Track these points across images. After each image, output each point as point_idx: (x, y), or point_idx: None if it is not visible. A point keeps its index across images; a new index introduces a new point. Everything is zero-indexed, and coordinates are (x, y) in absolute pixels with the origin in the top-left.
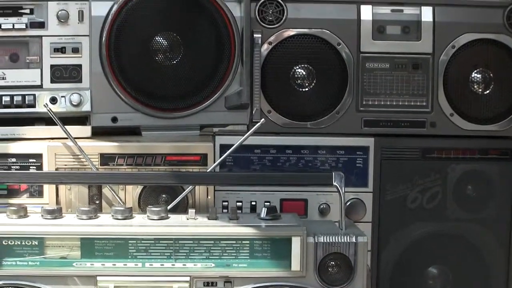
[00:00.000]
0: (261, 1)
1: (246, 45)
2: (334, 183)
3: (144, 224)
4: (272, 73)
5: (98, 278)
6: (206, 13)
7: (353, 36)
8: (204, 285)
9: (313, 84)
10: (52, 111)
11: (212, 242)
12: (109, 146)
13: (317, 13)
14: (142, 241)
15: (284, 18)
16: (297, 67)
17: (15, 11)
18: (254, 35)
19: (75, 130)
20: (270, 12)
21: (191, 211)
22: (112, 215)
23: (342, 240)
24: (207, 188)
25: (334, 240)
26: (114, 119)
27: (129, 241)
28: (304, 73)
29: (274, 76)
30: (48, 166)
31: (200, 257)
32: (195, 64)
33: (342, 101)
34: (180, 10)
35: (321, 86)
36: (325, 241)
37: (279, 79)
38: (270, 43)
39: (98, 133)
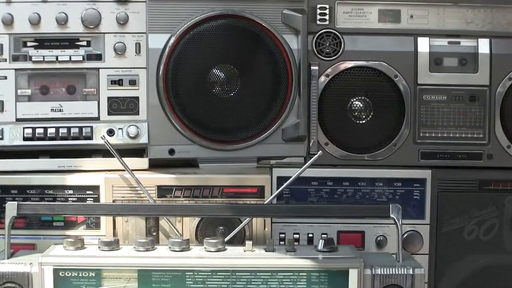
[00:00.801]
0: (318, 34)
1: (303, 77)
2: (391, 215)
3: (201, 256)
4: (329, 105)
5: None
6: (263, 45)
7: (410, 68)
8: None
9: (370, 116)
10: (109, 143)
11: (269, 274)
12: (166, 178)
13: (374, 45)
14: (200, 273)
15: (341, 50)
16: (354, 99)
17: (72, 43)
18: (312, 67)
19: (132, 162)
20: (327, 44)
21: (248, 243)
22: (169, 247)
23: (400, 272)
24: (264, 220)
25: (391, 272)
26: (171, 151)
27: (187, 273)
28: (361, 105)
29: (331, 108)
30: (105, 198)
31: None
32: (252, 96)
33: (399, 133)
34: (237, 42)
35: (378, 118)
36: (383, 273)
37: (336, 111)
38: (327, 75)
39: (155, 165)
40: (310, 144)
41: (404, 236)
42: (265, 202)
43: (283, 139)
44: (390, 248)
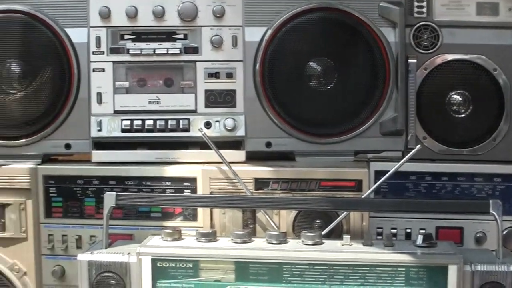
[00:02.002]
0: (416, 26)
1: (401, 70)
2: (491, 212)
3: (298, 249)
4: (427, 99)
5: None
6: (360, 39)
7: (510, 62)
8: None
9: (469, 110)
10: (206, 136)
11: (367, 268)
12: (263, 170)
13: (473, 38)
14: (297, 266)
15: (439, 43)
16: (453, 93)
17: (169, 37)
18: (409, 60)
19: (229, 154)
20: (425, 37)
21: (346, 237)
22: (267, 240)
23: (500, 269)
24: (362, 214)
25: (491, 269)
26: (268, 144)
27: (284, 266)
28: (460, 99)
29: (429, 102)
30: (202, 190)
31: (355, 284)
32: (349, 89)
33: (499, 128)
34: (334, 36)
35: (477, 112)
36: (482, 269)
37: (435, 105)
38: (425, 69)
39: (252, 157)
40: (408, 138)
41: (504, 232)
42: (363, 196)
43: (381, 132)
44: (489, 245)
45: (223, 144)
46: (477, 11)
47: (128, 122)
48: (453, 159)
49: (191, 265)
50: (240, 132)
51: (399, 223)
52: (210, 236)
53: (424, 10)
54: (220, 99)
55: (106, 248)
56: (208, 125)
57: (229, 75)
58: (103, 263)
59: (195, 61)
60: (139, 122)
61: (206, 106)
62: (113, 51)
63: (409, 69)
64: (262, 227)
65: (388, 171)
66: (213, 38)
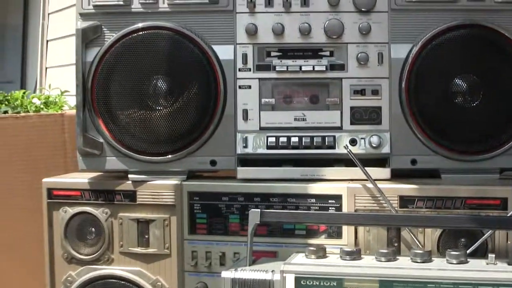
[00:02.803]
0: None
1: None
2: None
3: (443, 268)
4: None
5: None
6: (506, 55)
7: None
8: None
9: None
10: (352, 153)
11: None
12: (408, 188)
13: None
14: (441, 285)
15: None
16: None
17: (315, 54)
18: None
19: (374, 171)
20: None
21: (491, 256)
22: (411, 258)
23: None
24: (507, 232)
25: None
26: (414, 162)
27: (428, 285)
28: None
29: None
30: (347, 207)
31: None
32: (495, 106)
33: None
34: (480, 53)
35: None
36: None
37: None
38: None
39: (397, 175)
40: None
41: None
42: (508, 215)
43: None
44: None
45: (368, 161)
46: None
47: (274, 139)
48: None
49: (335, 283)
50: (385, 149)
51: None
52: (355, 254)
53: None
54: (365, 116)
55: (250, 265)
56: (353, 142)
57: (375, 92)
58: (246, 280)
59: (341, 78)
60: (285, 139)
61: (352, 123)
62: (260, 68)
63: None
64: (407, 245)
65: None
66: (359, 55)
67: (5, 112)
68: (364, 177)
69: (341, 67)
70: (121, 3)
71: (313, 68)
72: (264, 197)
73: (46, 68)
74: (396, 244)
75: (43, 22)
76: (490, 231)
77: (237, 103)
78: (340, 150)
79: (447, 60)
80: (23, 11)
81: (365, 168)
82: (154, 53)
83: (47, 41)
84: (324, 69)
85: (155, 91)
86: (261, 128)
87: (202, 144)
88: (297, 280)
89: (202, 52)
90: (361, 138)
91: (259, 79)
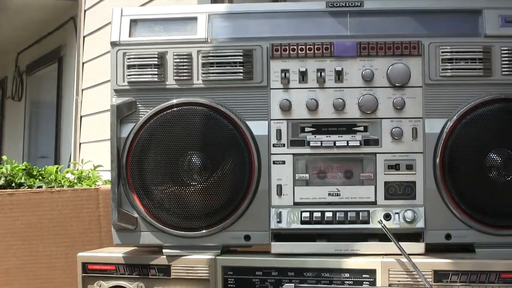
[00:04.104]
0: None
1: None
2: None
3: None
4: None
5: None
6: None
7: None
8: None
9: None
10: (386, 228)
11: None
12: (443, 262)
13: None
14: None
15: None
16: None
17: (349, 129)
18: None
19: (408, 246)
20: None
21: None
22: None
23: None
24: None
25: None
26: (448, 236)
27: None
28: None
29: None
30: (381, 282)
31: None
32: None
33: None
34: None
35: None
36: None
37: None
38: None
39: (432, 249)
40: None
41: None
42: None
43: None
44: None
45: (402, 236)
46: None
47: (308, 214)
48: None
49: None
50: (420, 224)
51: None
52: None
53: None
54: (399, 191)
55: None
56: (387, 217)
57: (409, 167)
58: None
59: (375, 153)
60: (319, 214)
61: (386, 198)
62: (294, 143)
63: None
64: None
65: None
66: (393, 130)
67: (39, 187)
68: (398, 251)
69: (375, 142)
70: (156, 79)
71: (347, 143)
72: (298, 272)
73: (80, 144)
74: None
75: (77, 98)
76: None
77: (271, 179)
78: (374, 225)
79: (481, 134)
80: (56, 87)
81: (399, 242)
82: (188, 129)
83: (81, 116)
84: (358, 144)
85: (190, 166)
86: (295, 203)
87: (237, 219)
88: None
89: (236, 128)
90: (395, 213)
91: (293, 154)
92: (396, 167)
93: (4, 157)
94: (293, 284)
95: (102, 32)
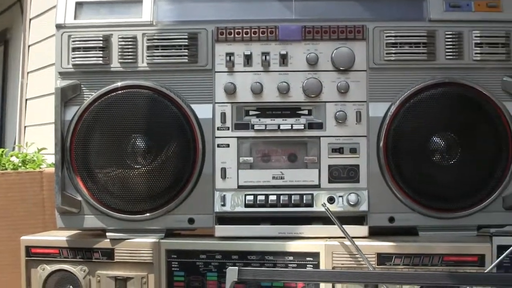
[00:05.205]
0: None
1: None
2: None
3: None
4: None
5: None
6: (483, 113)
7: None
8: None
9: None
10: (330, 211)
11: None
12: (386, 245)
13: None
14: None
15: None
16: None
17: (293, 112)
18: None
19: (352, 229)
20: None
21: None
22: None
23: None
24: None
25: None
26: (391, 219)
27: None
28: None
29: None
30: (325, 265)
31: None
32: (472, 164)
33: None
34: (457, 110)
35: None
36: None
37: None
38: None
39: (375, 232)
40: None
41: None
42: (485, 271)
43: (504, 207)
44: None
45: (346, 219)
46: None
47: (252, 197)
48: None
49: None
50: (363, 207)
51: None
52: None
53: None
54: (343, 174)
55: None
56: (331, 200)
57: (353, 151)
58: None
59: (319, 137)
60: (263, 197)
61: (330, 181)
62: (238, 126)
63: None
64: None
65: (511, 245)
66: (337, 113)
67: None
68: (342, 234)
69: (319, 126)
70: (101, 62)
71: (292, 126)
72: (242, 255)
73: (25, 127)
74: None
75: (22, 81)
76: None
77: (216, 162)
78: (318, 208)
79: (425, 118)
80: (2, 70)
81: (343, 226)
82: (132, 112)
83: (26, 99)
84: (303, 127)
85: (134, 149)
86: (239, 187)
87: (181, 203)
88: None
89: (180, 111)
90: (339, 196)
91: (238, 137)
92: (340, 150)
93: None
94: (237, 268)
95: (48, 14)
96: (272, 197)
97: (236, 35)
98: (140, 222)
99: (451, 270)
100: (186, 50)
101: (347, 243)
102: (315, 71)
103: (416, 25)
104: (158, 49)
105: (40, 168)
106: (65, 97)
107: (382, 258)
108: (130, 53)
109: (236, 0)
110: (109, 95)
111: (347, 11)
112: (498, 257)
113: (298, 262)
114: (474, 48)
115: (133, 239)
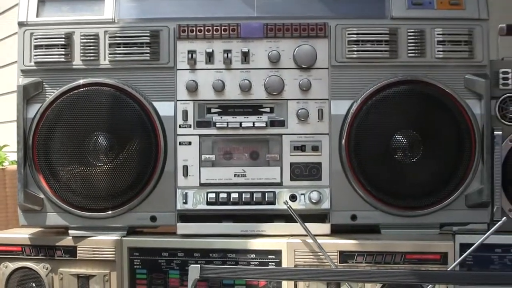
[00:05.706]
0: (501, 99)
1: (486, 142)
2: None
3: None
4: None
5: None
6: (446, 111)
7: None
8: None
9: None
10: (292, 208)
11: None
12: (348, 243)
13: None
14: None
15: None
16: None
17: (255, 110)
18: (495, 132)
19: (314, 227)
20: (511, 109)
21: None
22: None
23: None
24: (447, 287)
25: None
26: (354, 217)
27: None
28: None
29: None
30: (287, 263)
31: None
32: (435, 162)
33: None
34: (420, 108)
35: None
36: None
37: None
38: (510, 141)
39: (337, 230)
40: (494, 210)
41: None
42: (448, 269)
43: (466, 205)
44: None
45: (308, 217)
46: None
47: (214, 195)
48: None
49: None
50: (325, 205)
51: None
52: None
53: (510, 82)
54: (305, 172)
55: None
56: (293, 198)
57: (315, 148)
58: None
59: (281, 134)
60: (225, 195)
61: (292, 179)
62: (200, 124)
63: (495, 141)
64: None
65: (474, 243)
66: (299, 111)
67: None
68: (304, 232)
69: (281, 123)
70: (63, 59)
71: (253, 124)
72: (204, 253)
73: None
74: None
75: None
76: (430, 285)
77: (178, 159)
78: (280, 205)
79: (387, 116)
80: None
81: (305, 223)
82: (94, 110)
83: None
84: (264, 125)
85: (96, 147)
86: (201, 184)
87: (143, 200)
88: None
89: (142, 109)
90: (301, 194)
91: (200, 135)
92: (302, 148)
93: None
94: (199, 265)
95: (11, 12)
96: (234, 195)
97: (198, 33)
98: (102, 220)
99: (414, 268)
100: (148, 48)
101: (309, 241)
102: (277, 69)
103: (378, 22)
104: (120, 47)
105: (2, 165)
106: (27, 94)
107: (344, 256)
108: (92, 51)
109: None
110: (71, 93)
111: (309, 9)
112: (460, 255)
113: (260, 260)
114: (436, 45)
115: (95, 236)
